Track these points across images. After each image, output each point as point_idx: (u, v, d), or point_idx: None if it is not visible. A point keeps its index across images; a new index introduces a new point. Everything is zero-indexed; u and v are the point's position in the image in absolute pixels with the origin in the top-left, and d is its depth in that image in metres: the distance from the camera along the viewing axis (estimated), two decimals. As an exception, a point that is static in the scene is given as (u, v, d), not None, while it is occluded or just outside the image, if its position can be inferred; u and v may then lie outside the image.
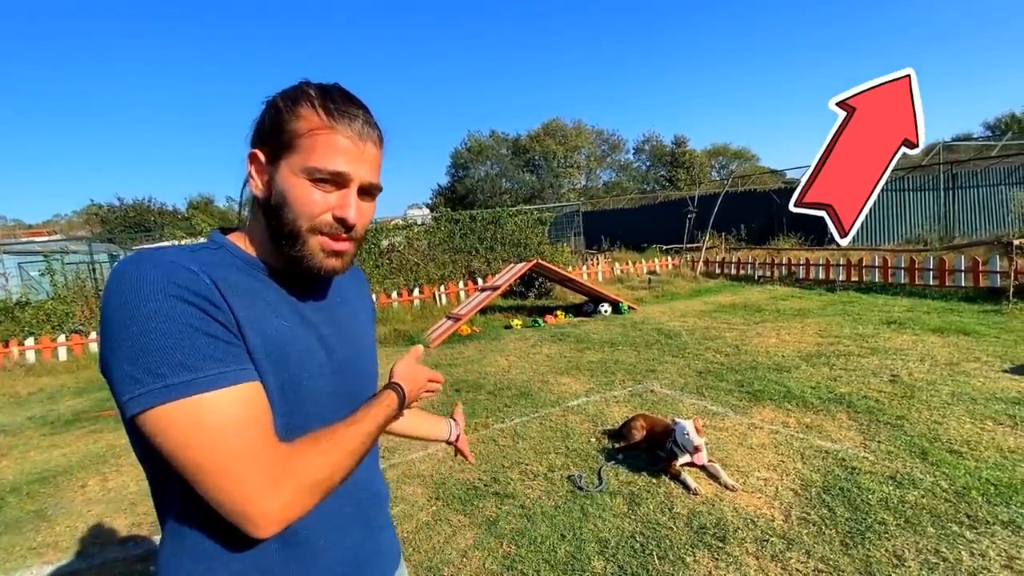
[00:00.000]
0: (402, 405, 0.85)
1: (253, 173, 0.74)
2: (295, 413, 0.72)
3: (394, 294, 10.12)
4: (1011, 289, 6.85)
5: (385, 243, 11.38)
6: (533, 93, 74.09)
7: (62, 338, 8.22)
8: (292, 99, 0.73)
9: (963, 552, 2.19)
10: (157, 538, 2.84)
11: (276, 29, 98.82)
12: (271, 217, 0.73)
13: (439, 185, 37.21)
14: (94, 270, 11.07)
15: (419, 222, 12.54)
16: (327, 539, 0.78)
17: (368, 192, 0.77)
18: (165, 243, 16.32)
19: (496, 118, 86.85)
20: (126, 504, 3.26)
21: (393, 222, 12.30)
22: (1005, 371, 4.34)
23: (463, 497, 2.99)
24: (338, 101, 0.73)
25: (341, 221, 0.73)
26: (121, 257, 16.06)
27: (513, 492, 2.99)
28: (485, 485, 3.11)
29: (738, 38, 78.92)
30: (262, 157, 0.74)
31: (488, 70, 78.72)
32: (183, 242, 10.84)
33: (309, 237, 0.73)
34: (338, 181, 0.72)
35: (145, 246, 17.22)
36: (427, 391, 0.95)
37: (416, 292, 10.30)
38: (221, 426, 0.61)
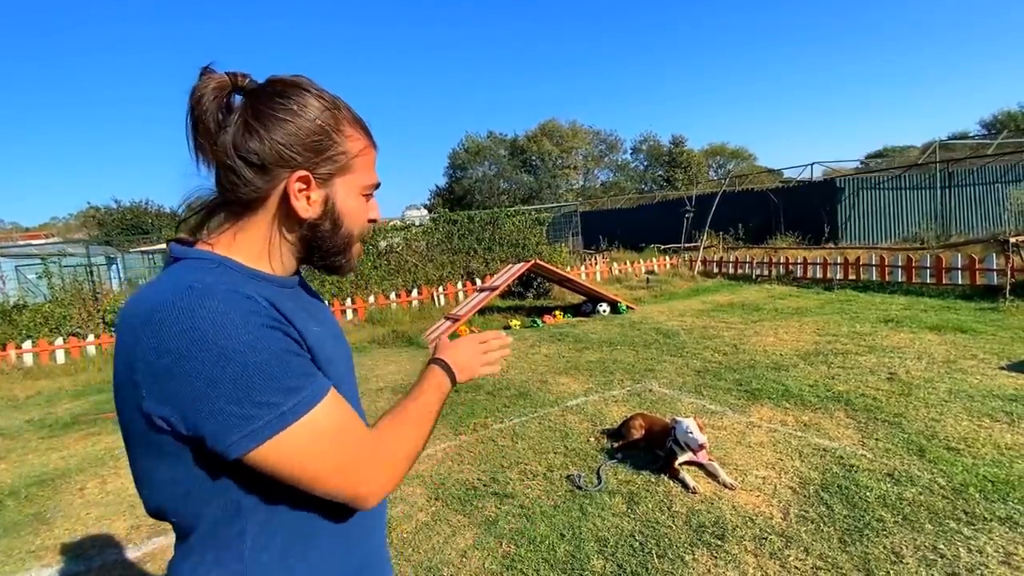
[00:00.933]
0: (453, 378, 0.87)
1: (299, 193, 0.72)
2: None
3: (392, 295, 10.12)
4: (1007, 287, 6.87)
5: (383, 244, 11.37)
6: (532, 94, 74.29)
7: (59, 341, 8.20)
8: (335, 119, 0.74)
9: (961, 548, 2.20)
10: (156, 540, 2.85)
11: (272, 30, 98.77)
12: (321, 233, 0.76)
13: (437, 186, 37.25)
14: (91, 273, 11.03)
15: (417, 223, 12.53)
16: (353, 539, 0.80)
17: None
18: (162, 245, 16.30)
19: (494, 119, 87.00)
20: (125, 507, 3.26)
21: (391, 223, 12.29)
22: (1002, 368, 4.35)
23: (462, 497, 2.99)
24: (359, 116, 0.78)
25: (372, 222, 0.82)
26: (118, 260, 16.04)
27: (512, 492, 3.00)
28: (484, 485, 3.11)
29: (735, 37, 79.12)
30: (312, 178, 0.72)
31: (486, 70, 78.85)
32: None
33: (356, 244, 0.81)
34: (373, 191, 0.81)
35: (143, 248, 17.20)
36: (489, 365, 0.94)
37: (414, 293, 10.30)
38: (332, 433, 0.66)
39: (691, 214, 14.36)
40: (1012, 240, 7.21)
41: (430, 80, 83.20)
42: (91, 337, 8.34)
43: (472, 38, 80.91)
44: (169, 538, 2.77)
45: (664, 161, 39.28)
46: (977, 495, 2.56)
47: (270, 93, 0.71)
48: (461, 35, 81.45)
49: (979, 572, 2.06)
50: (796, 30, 76.65)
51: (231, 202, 0.73)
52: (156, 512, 0.71)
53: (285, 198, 0.72)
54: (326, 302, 0.96)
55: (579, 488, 2.97)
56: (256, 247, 0.74)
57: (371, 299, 9.79)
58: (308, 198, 0.73)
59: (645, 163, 41.72)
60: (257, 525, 0.69)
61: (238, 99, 0.72)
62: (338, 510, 0.73)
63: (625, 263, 12.89)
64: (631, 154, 41.81)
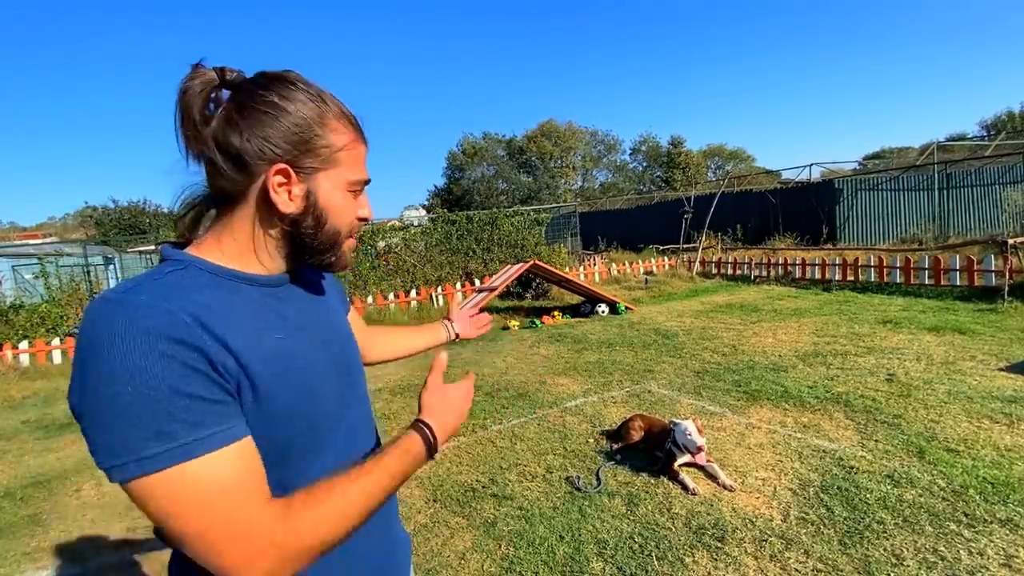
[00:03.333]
0: (432, 449, 0.77)
1: (279, 188, 0.69)
2: (315, 417, 0.73)
3: (391, 296, 10.10)
4: (1005, 288, 6.88)
5: (382, 244, 11.36)
6: (529, 94, 74.32)
7: (56, 341, 8.17)
8: (319, 112, 0.71)
9: (961, 551, 2.19)
10: (152, 543, 2.82)
11: (270, 30, 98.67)
12: (304, 230, 0.73)
13: (435, 187, 37.30)
14: (88, 273, 11.01)
15: (416, 223, 12.53)
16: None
17: None
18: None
19: (493, 119, 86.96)
20: (121, 508, 3.24)
21: (390, 223, 12.28)
22: (1000, 369, 4.35)
23: (461, 499, 2.98)
24: (348, 109, 0.76)
25: (363, 220, 0.80)
26: (116, 259, 16.01)
27: (511, 494, 2.99)
28: (483, 487, 3.10)
29: (734, 39, 79.21)
30: (292, 172, 0.70)
31: (484, 71, 78.83)
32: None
33: (344, 242, 0.78)
34: (362, 187, 0.79)
35: (141, 248, 17.15)
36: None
37: (413, 294, 10.28)
38: (199, 497, 0.58)
39: (689, 215, 14.36)
40: (1010, 241, 7.23)
41: (429, 80, 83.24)
42: (88, 337, 8.31)
43: (470, 39, 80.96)
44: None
45: (663, 162, 39.31)
46: (977, 497, 2.56)
47: (255, 87, 0.70)
48: (459, 36, 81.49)
49: (980, 575, 2.05)
50: (794, 31, 76.84)
51: (217, 198, 0.73)
52: None
53: (266, 193, 0.69)
54: (335, 295, 0.92)
55: (578, 490, 2.96)
56: (240, 244, 0.72)
57: (369, 299, 9.76)
58: (289, 192, 0.70)
59: (644, 164, 41.73)
60: None
61: (226, 94, 0.71)
62: None
63: (623, 264, 12.88)
64: (630, 155, 41.85)
